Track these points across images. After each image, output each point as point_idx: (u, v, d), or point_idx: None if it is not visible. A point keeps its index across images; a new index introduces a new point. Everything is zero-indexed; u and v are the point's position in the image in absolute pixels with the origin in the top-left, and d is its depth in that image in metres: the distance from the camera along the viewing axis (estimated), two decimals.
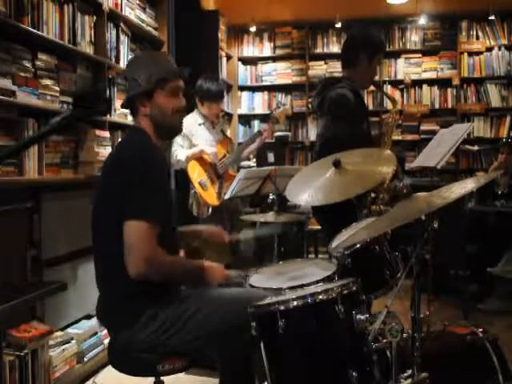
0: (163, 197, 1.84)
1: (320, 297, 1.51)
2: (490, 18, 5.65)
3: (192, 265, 1.92)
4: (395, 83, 6.03)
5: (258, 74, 6.35)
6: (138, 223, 1.71)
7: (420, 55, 5.99)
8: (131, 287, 1.77)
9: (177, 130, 2.02)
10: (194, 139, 3.78)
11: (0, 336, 2.21)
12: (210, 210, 3.72)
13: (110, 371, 2.85)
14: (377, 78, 5.84)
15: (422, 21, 5.84)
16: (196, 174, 3.69)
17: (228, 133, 4.15)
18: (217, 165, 3.77)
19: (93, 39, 3.22)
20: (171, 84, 1.91)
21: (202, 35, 5.31)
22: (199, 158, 3.73)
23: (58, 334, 2.82)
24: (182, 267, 1.88)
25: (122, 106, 2.02)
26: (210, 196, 3.72)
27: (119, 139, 3.51)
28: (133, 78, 1.90)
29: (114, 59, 3.45)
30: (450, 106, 5.92)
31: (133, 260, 1.70)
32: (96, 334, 3.05)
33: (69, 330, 2.94)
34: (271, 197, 2.91)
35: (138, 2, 3.85)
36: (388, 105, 5.97)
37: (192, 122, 3.75)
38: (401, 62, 6.02)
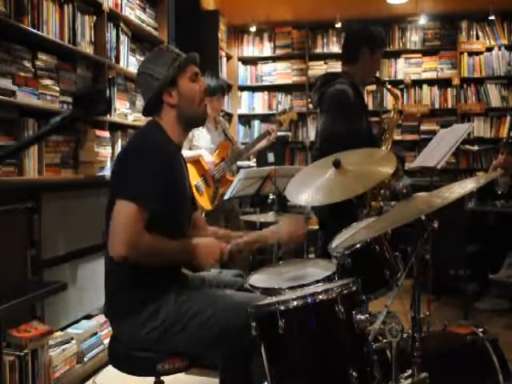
0: (162, 186, 1.78)
1: (320, 297, 1.50)
2: (490, 18, 5.65)
3: (180, 246, 1.83)
4: (395, 83, 6.01)
5: (258, 73, 6.35)
6: (127, 204, 1.69)
7: (420, 55, 5.99)
8: (134, 276, 1.77)
9: (205, 115, 1.98)
10: (195, 140, 3.77)
11: (0, 336, 2.21)
12: (204, 213, 3.72)
13: (109, 371, 2.86)
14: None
15: (422, 21, 5.84)
16: (192, 176, 3.69)
17: (229, 133, 4.13)
18: (214, 171, 3.77)
19: (93, 39, 3.22)
20: (189, 69, 1.89)
21: (202, 35, 5.32)
22: (197, 162, 3.72)
23: (58, 333, 2.82)
24: (167, 250, 1.78)
25: (146, 109, 1.94)
26: (204, 201, 3.72)
27: (119, 139, 3.51)
28: (148, 74, 1.86)
29: (114, 59, 3.45)
30: (450, 105, 5.92)
31: (115, 242, 1.67)
32: (96, 333, 3.05)
33: (69, 330, 2.94)
34: (271, 197, 2.91)
35: (137, 1, 3.85)
36: (388, 105, 5.99)
37: None
38: (401, 61, 6.02)
